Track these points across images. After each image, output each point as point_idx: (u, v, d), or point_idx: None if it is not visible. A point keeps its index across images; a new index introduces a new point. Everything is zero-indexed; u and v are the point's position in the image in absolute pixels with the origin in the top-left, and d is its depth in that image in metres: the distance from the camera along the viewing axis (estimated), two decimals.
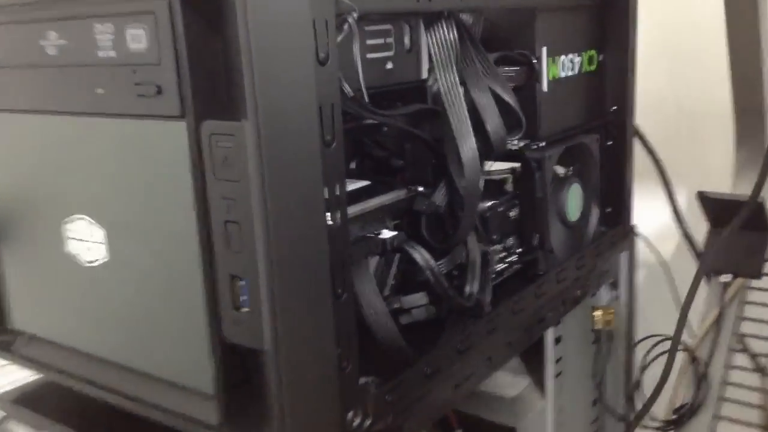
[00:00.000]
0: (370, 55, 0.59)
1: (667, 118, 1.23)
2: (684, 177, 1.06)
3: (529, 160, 0.73)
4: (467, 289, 0.64)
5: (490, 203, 0.71)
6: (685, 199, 1.05)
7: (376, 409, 0.53)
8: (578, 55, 0.81)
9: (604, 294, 0.94)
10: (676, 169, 1.04)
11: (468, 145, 0.60)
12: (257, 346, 0.46)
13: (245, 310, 0.46)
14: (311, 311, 0.47)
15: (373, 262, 0.60)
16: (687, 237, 1.01)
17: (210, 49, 0.44)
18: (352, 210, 0.56)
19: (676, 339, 0.81)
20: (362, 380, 0.53)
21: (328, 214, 0.47)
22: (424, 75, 0.64)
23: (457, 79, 0.61)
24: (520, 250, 0.75)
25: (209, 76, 0.45)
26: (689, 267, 1.02)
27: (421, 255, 0.59)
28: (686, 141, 1.23)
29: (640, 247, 0.99)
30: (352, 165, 0.69)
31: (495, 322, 0.67)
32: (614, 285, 0.96)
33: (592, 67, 0.84)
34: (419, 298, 0.63)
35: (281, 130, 0.43)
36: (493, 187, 0.74)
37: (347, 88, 0.50)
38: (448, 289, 0.61)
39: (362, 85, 0.52)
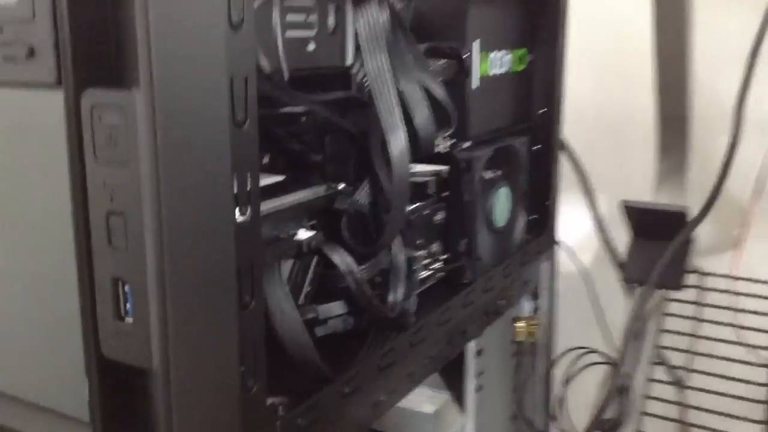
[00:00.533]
0: (289, 33, 0.52)
1: (589, 125, 1.22)
2: (604, 185, 1.04)
3: (458, 160, 0.68)
4: (391, 297, 0.59)
5: (414, 205, 0.66)
6: (605, 207, 1.03)
7: None
8: (509, 53, 0.77)
9: (524, 304, 0.91)
10: (596, 177, 1.02)
11: (397, 139, 0.54)
12: (143, 364, 0.39)
13: (129, 320, 0.39)
14: (211, 322, 0.40)
15: (287, 266, 0.54)
16: (608, 246, 0.99)
17: (96, 5, 0.37)
18: (265, 207, 0.49)
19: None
20: (270, 401, 0.46)
21: (237, 208, 0.40)
22: (349, 62, 0.58)
23: (386, 65, 0.55)
24: (445, 256, 0.70)
25: (94, 37, 0.37)
26: (609, 276, 1.00)
27: (341, 259, 0.53)
28: (607, 149, 1.22)
29: (560, 256, 0.96)
30: (265, 160, 0.62)
31: (420, 335, 0.62)
32: (535, 295, 0.92)
33: (522, 67, 0.81)
34: (337, 308, 0.57)
35: (181, 103, 0.36)
36: (416, 191, 0.69)
37: (265, 63, 0.43)
38: (371, 297, 0.55)
39: (282, 61, 0.45)
